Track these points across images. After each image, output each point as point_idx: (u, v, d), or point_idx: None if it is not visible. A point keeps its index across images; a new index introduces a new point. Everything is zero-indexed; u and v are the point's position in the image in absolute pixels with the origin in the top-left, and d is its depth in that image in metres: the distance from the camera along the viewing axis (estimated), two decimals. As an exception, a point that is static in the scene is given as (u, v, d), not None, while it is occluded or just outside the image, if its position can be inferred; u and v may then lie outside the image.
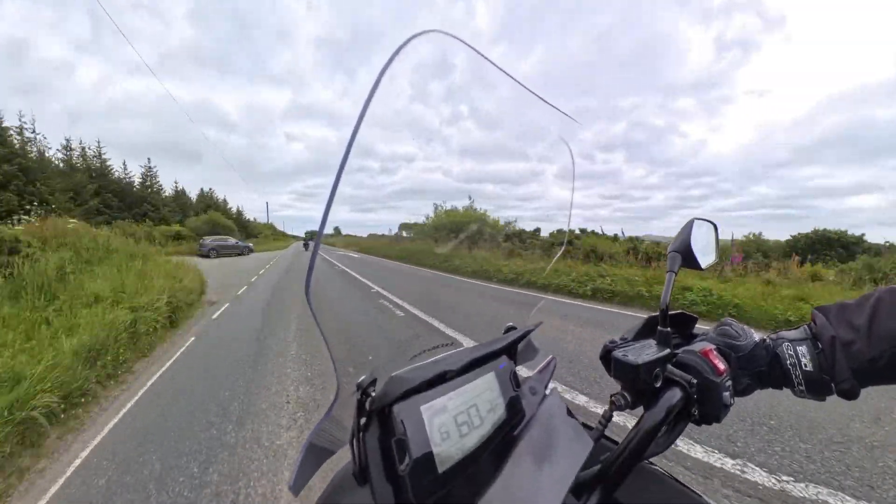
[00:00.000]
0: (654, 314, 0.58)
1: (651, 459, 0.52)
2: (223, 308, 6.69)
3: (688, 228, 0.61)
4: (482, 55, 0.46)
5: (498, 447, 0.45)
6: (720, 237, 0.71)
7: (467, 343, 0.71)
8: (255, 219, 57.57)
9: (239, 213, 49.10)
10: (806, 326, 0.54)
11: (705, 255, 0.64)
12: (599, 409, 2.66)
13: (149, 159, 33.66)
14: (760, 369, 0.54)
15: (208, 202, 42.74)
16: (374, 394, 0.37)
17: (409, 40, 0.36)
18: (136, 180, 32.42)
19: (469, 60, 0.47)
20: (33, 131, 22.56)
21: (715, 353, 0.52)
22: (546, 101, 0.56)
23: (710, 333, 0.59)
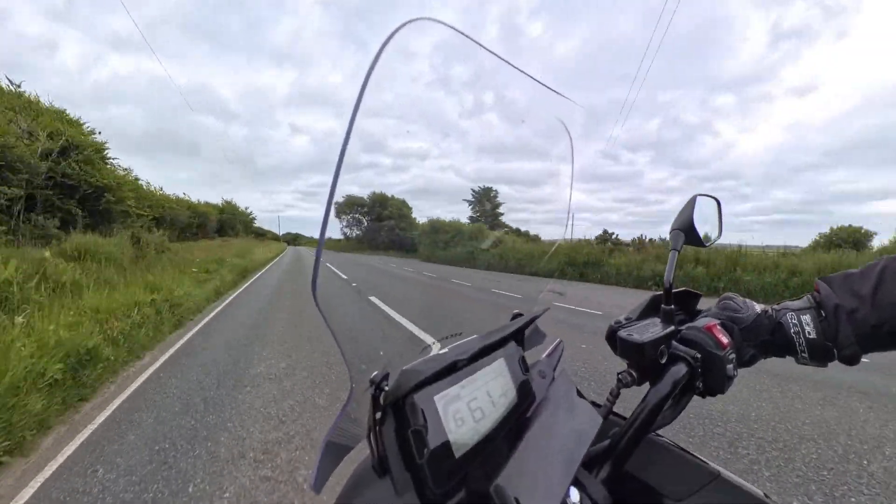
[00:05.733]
0: (658, 293, 0.59)
1: (658, 431, 0.53)
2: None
3: (690, 205, 0.60)
4: (475, 41, 0.46)
5: (511, 430, 0.46)
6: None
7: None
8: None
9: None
10: (809, 296, 0.55)
11: (709, 233, 0.64)
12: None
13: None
14: (764, 339, 0.55)
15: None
16: (387, 388, 0.37)
17: (396, 30, 0.36)
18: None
19: (470, 51, 0.47)
20: None
21: (718, 327, 0.53)
22: (544, 84, 0.55)
23: (712, 309, 0.60)
